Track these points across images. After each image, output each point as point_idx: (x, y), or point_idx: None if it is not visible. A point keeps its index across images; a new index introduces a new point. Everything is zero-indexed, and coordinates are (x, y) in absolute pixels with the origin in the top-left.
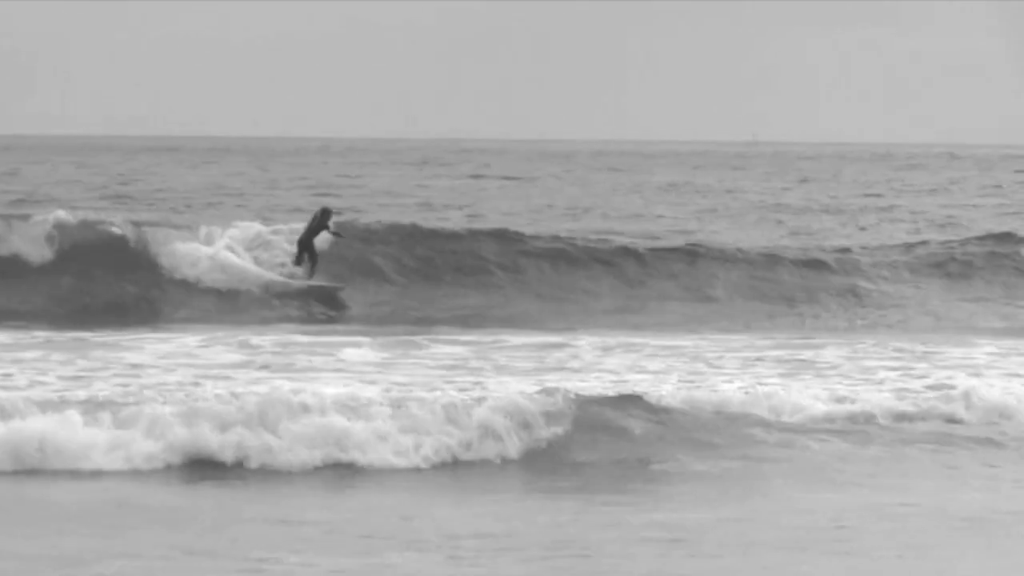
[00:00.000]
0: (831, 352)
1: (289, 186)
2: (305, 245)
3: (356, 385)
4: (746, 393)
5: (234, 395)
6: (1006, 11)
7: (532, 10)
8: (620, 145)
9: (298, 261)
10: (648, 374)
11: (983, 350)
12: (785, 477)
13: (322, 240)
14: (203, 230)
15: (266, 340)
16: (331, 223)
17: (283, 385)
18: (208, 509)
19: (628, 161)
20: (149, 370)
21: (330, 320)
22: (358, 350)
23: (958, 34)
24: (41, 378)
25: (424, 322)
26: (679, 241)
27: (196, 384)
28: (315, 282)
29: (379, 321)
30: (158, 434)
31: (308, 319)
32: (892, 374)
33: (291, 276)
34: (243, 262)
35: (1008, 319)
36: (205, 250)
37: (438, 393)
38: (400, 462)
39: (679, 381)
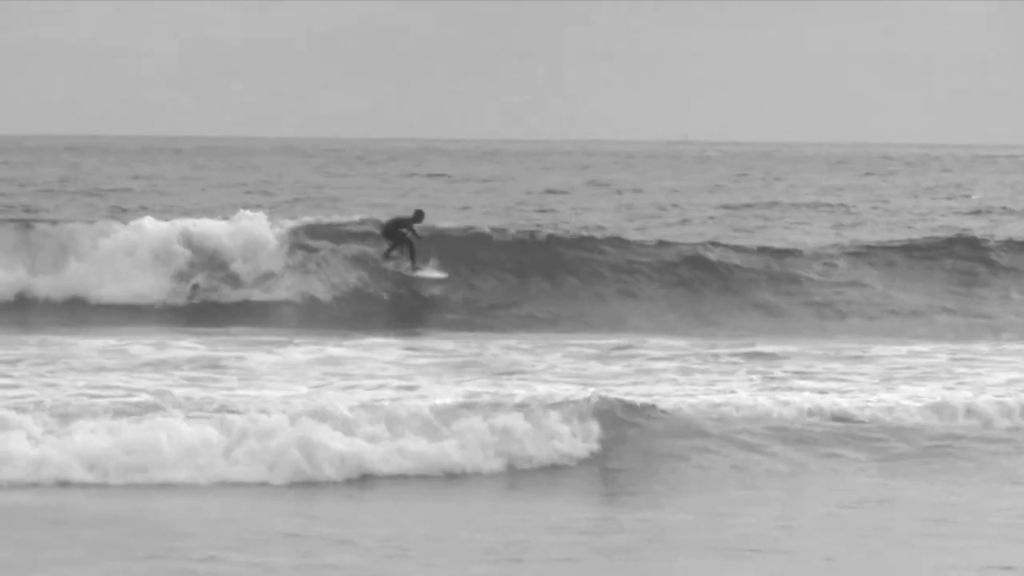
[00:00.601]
0: (772, 349)
1: (223, 183)
2: (393, 236)
3: (299, 389)
4: (678, 395)
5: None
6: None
7: (483, 9)
8: (547, 145)
9: (387, 254)
10: (586, 377)
11: (926, 351)
12: (731, 479)
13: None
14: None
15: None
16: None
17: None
18: (148, 512)
19: (552, 160)
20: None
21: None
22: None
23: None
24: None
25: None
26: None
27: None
28: (424, 273)
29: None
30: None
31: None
32: (833, 375)
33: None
34: None
35: (953, 316)
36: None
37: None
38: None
39: (624, 385)
